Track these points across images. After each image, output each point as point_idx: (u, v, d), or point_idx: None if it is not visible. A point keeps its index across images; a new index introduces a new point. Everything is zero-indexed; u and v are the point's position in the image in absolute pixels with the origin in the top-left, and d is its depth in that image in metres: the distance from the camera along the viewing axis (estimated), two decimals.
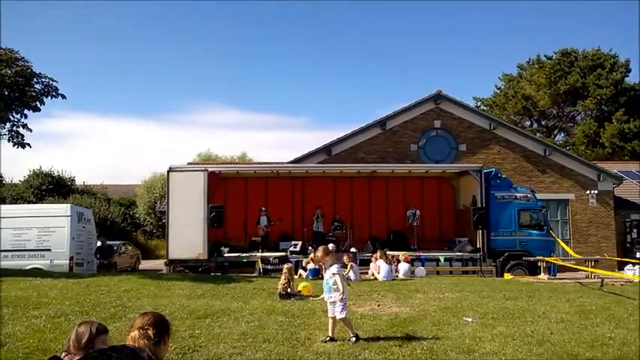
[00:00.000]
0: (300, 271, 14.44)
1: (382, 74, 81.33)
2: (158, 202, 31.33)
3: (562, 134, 41.71)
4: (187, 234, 15.81)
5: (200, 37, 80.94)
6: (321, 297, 8.12)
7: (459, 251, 17.16)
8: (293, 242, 17.21)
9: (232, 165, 30.12)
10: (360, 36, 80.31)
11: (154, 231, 34.52)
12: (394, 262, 14.99)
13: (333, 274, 6.83)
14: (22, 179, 32.99)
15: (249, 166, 28.33)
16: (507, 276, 15.63)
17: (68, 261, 15.82)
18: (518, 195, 17.53)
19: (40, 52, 69.67)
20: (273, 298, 9.94)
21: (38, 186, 31.51)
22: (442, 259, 16.59)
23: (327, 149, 21.87)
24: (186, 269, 15.75)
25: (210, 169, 17.14)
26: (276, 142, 77.54)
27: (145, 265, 24.39)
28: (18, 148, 13.84)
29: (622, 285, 13.09)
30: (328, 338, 6.64)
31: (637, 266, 15.94)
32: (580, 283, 13.60)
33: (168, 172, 16.62)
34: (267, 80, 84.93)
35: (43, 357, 5.29)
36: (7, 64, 13.44)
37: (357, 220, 18.55)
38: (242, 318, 7.97)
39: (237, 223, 18.57)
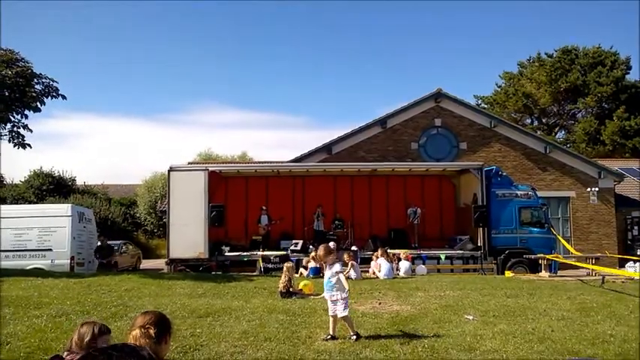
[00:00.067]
0: (301, 269, 14.45)
1: (382, 74, 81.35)
2: (159, 201, 31.34)
3: (563, 132, 41.70)
4: (188, 233, 15.83)
5: (200, 37, 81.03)
6: (321, 295, 8.13)
7: (460, 249, 17.17)
8: (294, 241, 17.22)
9: (233, 164, 30.16)
10: (360, 36, 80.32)
11: (155, 230, 34.54)
12: (395, 261, 15.01)
13: (337, 272, 6.85)
14: (22, 180, 33.03)
15: (249, 165, 28.36)
16: (508, 274, 15.65)
17: (69, 261, 15.83)
18: (518, 193, 17.53)
19: (40, 52, 69.77)
20: (274, 297, 9.95)
21: (39, 186, 31.53)
22: (443, 257, 16.59)
23: (327, 148, 21.85)
24: (187, 268, 15.77)
25: (210, 169, 17.17)
26: (276, 141, 77.66)
27: (146, 264, 24.42)
28: (19, 148, 13.87)
29: (623, 282, 13.09)
30: (329, 336, 6.65)
31: (638, 263, 15.94)
32: (581, 280, 13.62)
33: (168, 171, 16.64)
34: (267, 80, 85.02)
35: (45, 356, 5.30)
36: (7, 64, 13.46)
37: (358, 218, 18.56)
38: (243, 317, 7.98)
39: (238, 222, 18.58)
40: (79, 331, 3.22)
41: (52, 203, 24.43)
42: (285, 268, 10.70)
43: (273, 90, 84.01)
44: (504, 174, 18.45)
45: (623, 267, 17.15)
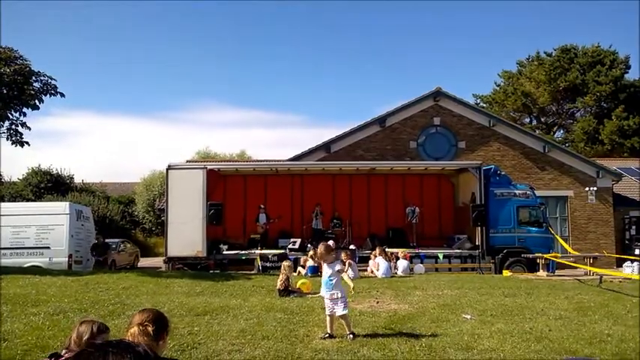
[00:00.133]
0: (299, 268, 14.45)
1: (382, 74, 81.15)
2: (157, 199, 31.31)
3: (561, 131, 41.73)
4: (186, 231, 15.82)
5: (200, 37, 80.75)
6: (319, 294, 8.14)
7: (458, 248, 17.19)
8: (292, 240, 17.22)
9: (231, 162, 30.13)
10: (360, 36, 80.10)
11: (153, 229, 34.50)
12: (393, 260, 15.02)
13: (338, 271, 6.87)
14: (20, 177, 33.02)
15: (248, 163, 28.35)
16: (506, 273, 15.66)
17: (67, 259, 15.84)
18: (517, 192, 17.53)
19: (40, 51, 69.43)
20: (272, 296, 9.96)
21: (37, 184, 31.48)
22: (441, 257, 16.60)
23: (326, 147, 21.85)
24: (185, 267, 15.77)
25: (209, 167, 17.15)
26: (274, 139, 77.51)
27: (144, 262, 24.39)
28: (17, 146, 13.88)
29: (620, 282, 13.12)
30: (327, 335, 6.66)
31: (635, 263, 15.97)
32: (579, 280, 13.63)
33: (167, 169, 16.62)
34: (266, 80, 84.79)
35: (42, 354, 5.29)
36: (5, 62, 13.43)
37: (356, 217, 18.56)
38: (241, 315, 7.98)
39: (236, 220, 18.57)
40: (78, 329, 3.22)
41: (50, 201, 24.39)
42: (283, 267, 10.71)
43: (273, 89, 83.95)
44: (503, 173, 18.45)
45: (621, 266, 17.19)
